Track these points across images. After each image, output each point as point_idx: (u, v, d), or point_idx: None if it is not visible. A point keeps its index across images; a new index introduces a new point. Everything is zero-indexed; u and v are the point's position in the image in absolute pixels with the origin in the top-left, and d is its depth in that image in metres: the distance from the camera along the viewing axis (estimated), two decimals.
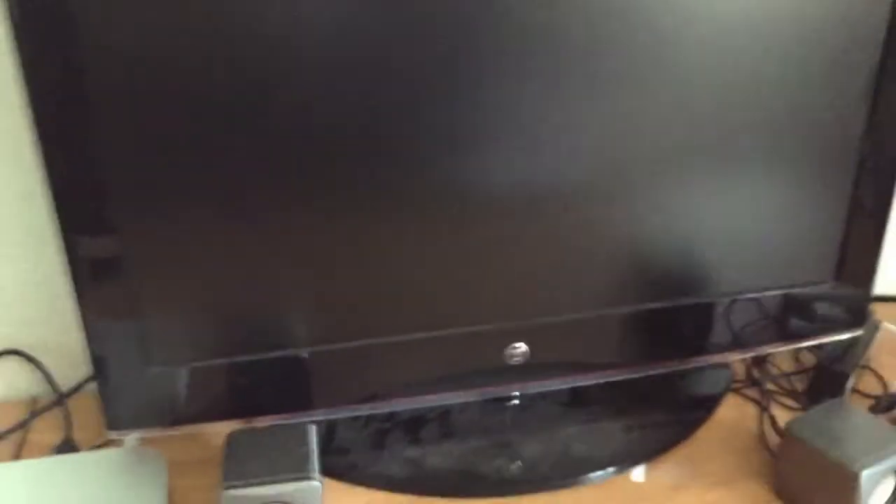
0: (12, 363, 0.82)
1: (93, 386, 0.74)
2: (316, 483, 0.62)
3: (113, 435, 0.67)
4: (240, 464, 0.62)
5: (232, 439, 0.65)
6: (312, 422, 0.67)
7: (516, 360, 0.71)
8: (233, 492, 0.60)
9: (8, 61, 0.54)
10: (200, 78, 0.56)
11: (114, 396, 0.65)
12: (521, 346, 0.70)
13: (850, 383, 0.79)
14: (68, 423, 0.78)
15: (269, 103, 0.58)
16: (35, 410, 0.80)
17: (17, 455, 0.75)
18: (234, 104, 0.58)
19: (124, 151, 0.57)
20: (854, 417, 0.68)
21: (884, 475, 0.64)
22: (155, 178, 0.59)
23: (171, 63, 0.56)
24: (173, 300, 0.63)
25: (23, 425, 0.78)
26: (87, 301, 0.61)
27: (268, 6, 0.55)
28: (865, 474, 0.63)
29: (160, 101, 0.56)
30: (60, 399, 0.80)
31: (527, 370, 0.72)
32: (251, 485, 0.61)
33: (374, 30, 0.57)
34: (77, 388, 0.81)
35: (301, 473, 0.62)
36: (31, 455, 0.74)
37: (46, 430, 0.78)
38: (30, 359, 0.81)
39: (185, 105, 0.57)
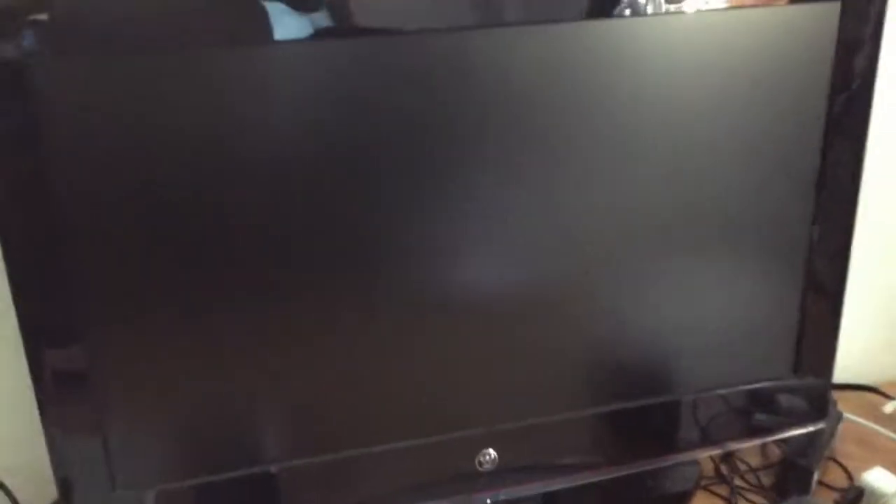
0: None
1: None
2: None
3: None
4: None
5: None
6: None
7: (487, 467, 0.71)
8: None
9: None
10: (166, 197, 0.58)
11: None
12: (491, 453, 0.71)
13: (815, 478, 0.80)
14: None
15: (236, 220, 0.59)
16: None
17: None
18: (198, 223, 0.59)
19: (90, 271, 0.58)
20: None
21: None
22: (121, 295, 0.59)
23: (134, 185, 0.57)
24: (138, 419, 0.63)
25: None
26: (52, 421, 0.62)
27: (231, 132, 0.57)
28: None
29: (126, 220, 0.58)
30: None
31: (497, 476, 0.72)
32: None
33: (344, 141, 0.59)
34: None
35: None
36: None
37: None
38: None
39: (150, 225, 0.58)
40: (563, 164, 0.64)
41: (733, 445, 0.80)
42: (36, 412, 0.61)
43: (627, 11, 0.62)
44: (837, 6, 0.66)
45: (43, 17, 0.52)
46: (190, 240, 0.59)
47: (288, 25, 0.56)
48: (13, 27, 0.52)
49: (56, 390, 0.61)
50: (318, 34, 0.57)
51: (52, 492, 0.73)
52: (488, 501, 0.78)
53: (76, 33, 0.53)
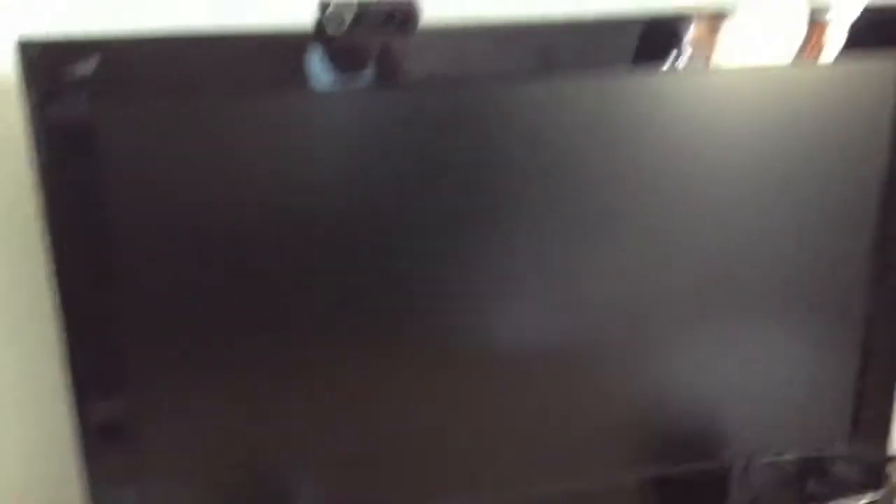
0: None
1: None
2: None
3: None
4: None
5: None
6: None
7: None
8: None
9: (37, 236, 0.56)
10: (207, 245, 0.58)
11: None
12: None
13: None
14: None
15: (280, 269, 0.59)
16: None
17: None
18: (242, 275, 0.59)
19: (140, 320, 0.58)
20: None
21: None
22: (168, 345, 0.59)
23: (177, 234, 0.57)
24: (177, 469, 0.63)
25: None
26: (92, 469, 0.61)
27: (273, 179, 0.57)
28: None
29: (175, 269, 0.58)
30: None
31: None
32: None
33: (387, 189, 0.59)
34: None
35: None
36: None
37: None
38: None
39: (192, 276, 0.58)
40: (610, 221, 0.63)
41: None
42: (73, 457, 0.61)
43: (671, 66, 0.61)
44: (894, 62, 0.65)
45: (102, 69, 0.53)
46: (234, 292, 0.59)
47: (330, 77, 0.56)
48: (73, 80, 0.53)
49: (97, 438, 0.61)
50: (361, 87, 0.57)
51: None
52: None
53: (133, 83, 0.54)
